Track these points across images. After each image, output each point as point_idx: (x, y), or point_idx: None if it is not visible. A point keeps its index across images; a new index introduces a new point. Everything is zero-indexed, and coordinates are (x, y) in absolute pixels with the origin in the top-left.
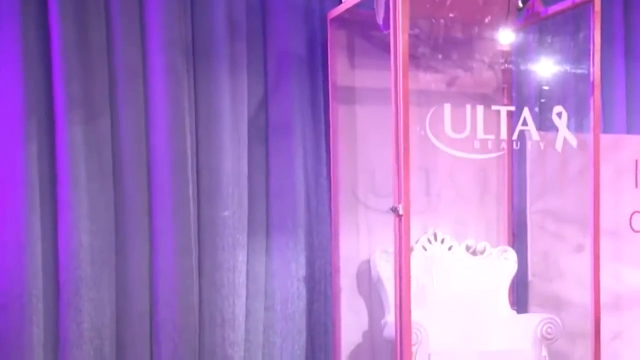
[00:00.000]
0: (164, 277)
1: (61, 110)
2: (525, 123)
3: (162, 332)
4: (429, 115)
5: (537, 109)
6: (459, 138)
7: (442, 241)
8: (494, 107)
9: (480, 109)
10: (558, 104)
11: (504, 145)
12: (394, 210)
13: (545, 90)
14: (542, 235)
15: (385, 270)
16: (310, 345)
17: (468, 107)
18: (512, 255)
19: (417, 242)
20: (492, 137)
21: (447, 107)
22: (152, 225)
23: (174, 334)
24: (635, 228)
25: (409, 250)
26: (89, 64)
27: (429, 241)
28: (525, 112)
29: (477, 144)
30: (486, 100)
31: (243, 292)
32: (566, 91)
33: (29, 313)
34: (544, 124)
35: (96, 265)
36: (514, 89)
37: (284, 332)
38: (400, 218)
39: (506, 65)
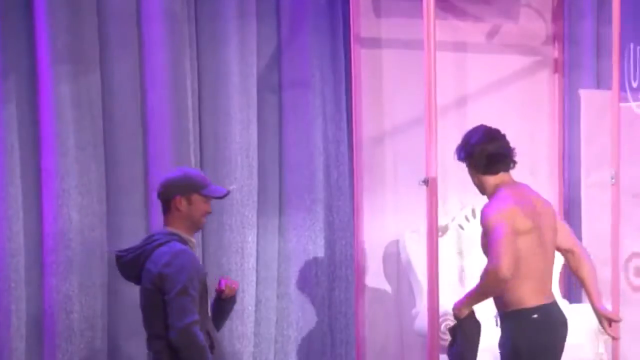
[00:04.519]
0: None
1: (45, 65)
2: None
3: None
4: None
5: None
6: None
7: None
8: None
9: None
10: None
11: None
12: (427, 182)
13: None
14: (599, 212)
15: (416, 253)
16: (330, 339)
17: None
18: None
19: (453, 220)
20: None
21: None
22: (149, 200)
23: None
24: None
25: (437, 228)
26: (75, 11)
27: (467, 219)
28: None
29: None
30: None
31: (253, 277)
32: None
33: (7, 301)
34: None
35: (87, 246)
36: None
37: (300, 324)
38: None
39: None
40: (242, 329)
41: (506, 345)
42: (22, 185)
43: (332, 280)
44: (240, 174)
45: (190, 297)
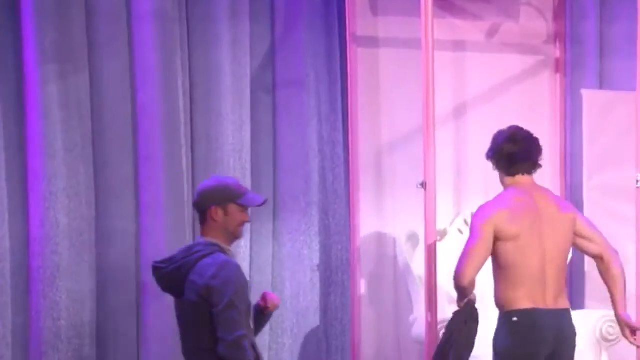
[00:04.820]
0: None
1: (32, 65)
2: None
3: (151, 330)
4: None
5: None
6: None
7: None
8: None
9: None
10: None
11: None
12: (425, 186)
13: None
14: (601, 216)
15: (413, 258)
16: (325, 346)
17: None
18: None
19: (451, 224)
20: None
21: None
22: (139, 203)
23: (165, 333)
24: None
25: (435, 232)
26: (64, 8)
27: (466, 223)
28: None
29: None
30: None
31: None
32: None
33: None
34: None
35: (75, 250)
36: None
37: (294, 331)
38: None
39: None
40: None
41: (493, 345)
42: (7, 187)
43: (328, 286)
44: (232, 176)
45: (237, 310)
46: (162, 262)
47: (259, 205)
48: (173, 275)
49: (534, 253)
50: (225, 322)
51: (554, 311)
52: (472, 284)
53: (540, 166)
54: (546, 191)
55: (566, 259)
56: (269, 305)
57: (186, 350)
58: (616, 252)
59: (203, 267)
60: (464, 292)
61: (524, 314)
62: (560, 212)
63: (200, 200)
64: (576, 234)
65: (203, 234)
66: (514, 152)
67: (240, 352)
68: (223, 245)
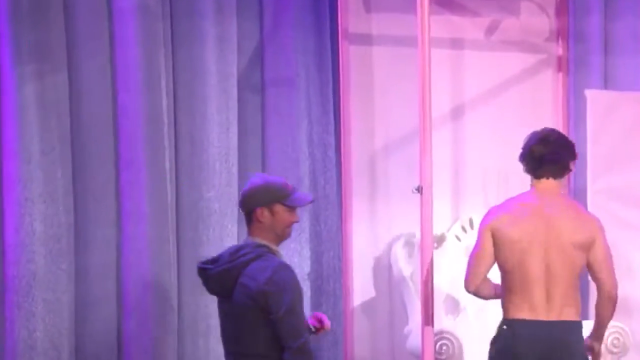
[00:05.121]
0: (135, 274)
1: (6, 64)
2: None
3: (133, 343)
4: None
5: None
6: None
7: None
8: None
9: None
10: None
11: None
12: (421, 190)
13: None
14: (605, 222)
15: (409, 266)
16: (317, 358)
17: None
18: None
19: (449, 230)
20: None
21: None
22: (120, 209)
23: (147, 345)
24: None
25: (432, 239)
26: (41, 5)
27: (464, 229)
28: None
29: None
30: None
31: None
32: None
33: None
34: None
35: (52, 259)
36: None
37: None
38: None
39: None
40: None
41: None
42: None
43: (319, 295)
44: (218, 180)
45: (297, 315)
46: (207, 262)
47: (308, 204)
48: (221, 277)
49: (535, 260)
50: (287, 329)
51: (554, 323)
52: (481, 289)
53: (570, 170)
54: (566, 200)
55: (575, 271)
56: (325, 327)
57: (232, 355)
58: (612, 298)
59: (255, 270)
60: (477, 297)
61: (516, 323)
62: (575, 224)
63: (245, 201)
64: (588, 254)
65: (250, 234)
66: (543, 154)
67: (306, 358)
68: (271, 246)
